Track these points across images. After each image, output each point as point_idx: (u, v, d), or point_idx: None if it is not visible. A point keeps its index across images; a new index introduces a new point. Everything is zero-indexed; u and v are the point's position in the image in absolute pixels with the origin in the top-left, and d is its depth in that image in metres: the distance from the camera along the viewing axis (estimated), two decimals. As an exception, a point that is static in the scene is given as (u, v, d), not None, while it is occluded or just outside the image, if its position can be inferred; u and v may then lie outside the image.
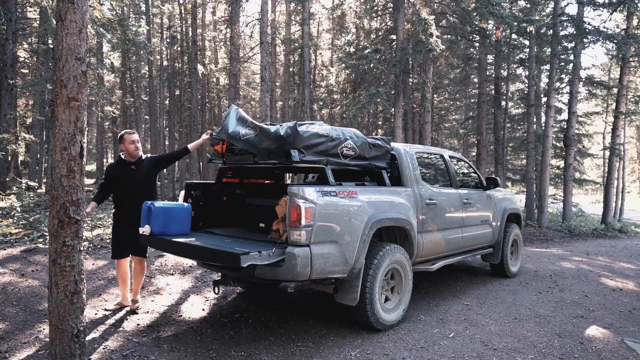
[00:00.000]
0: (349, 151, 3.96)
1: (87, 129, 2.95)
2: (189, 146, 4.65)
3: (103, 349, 3.48)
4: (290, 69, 20.58)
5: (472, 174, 5.99)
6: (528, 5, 13.91)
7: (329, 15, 20.22)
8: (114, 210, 4.39)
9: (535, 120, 15.11)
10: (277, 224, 3.83)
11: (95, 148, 26.26)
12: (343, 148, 3.91)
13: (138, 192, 4.23)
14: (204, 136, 4.55)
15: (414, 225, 4.36)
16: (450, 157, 5.56)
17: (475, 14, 11.13)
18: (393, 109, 12.43)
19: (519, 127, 19.05)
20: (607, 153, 15.24)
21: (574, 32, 12.69)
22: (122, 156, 4.37)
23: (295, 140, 3.54)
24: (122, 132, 4.39)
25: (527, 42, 14.61)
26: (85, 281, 2.95)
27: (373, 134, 17.48)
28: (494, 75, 16.16)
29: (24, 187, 12.59)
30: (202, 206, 4.44)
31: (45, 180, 16.31)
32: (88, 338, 3.18)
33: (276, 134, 3.60)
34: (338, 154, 3.88)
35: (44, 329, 3.78)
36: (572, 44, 13.08)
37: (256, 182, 4.98)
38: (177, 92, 20.37)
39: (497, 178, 6.00)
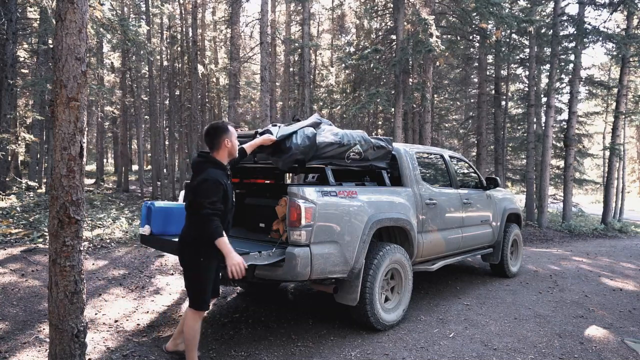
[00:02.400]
0: (355, 155, 3.98)
1: (87, 129, 2.95)
2: (245, 146, 3.50)
3: (103, 349, 3.48)
4: (290, 69, 20.57)
5: (472, 174, 5.99)
6: (528, 5, 13.92)
7: (329, 15, 20.22)
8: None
9: (535, 120, 15.10)
10: (277, 224, 3.83)
11: (95, 148, 26.25)
12: (350, 152, 3.92)
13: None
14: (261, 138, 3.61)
15: (414, 225, 4.36)
16: (450, 157, 5.56)
17: (475, 14, 11.13)
18: (393, 109, 12.42)
19: (519, 127, 19.04)
20: (607, 153, 15.22)
21: (574, 32, 12.68)
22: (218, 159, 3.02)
23: (310, 151, 3.56)
24: (223, 122, 3.06)
25: (527, 42, 14.60)
26: (85, 281, 2.95)
27: (373, 133, 17.48)
28: (494, 75, 16.15)
29: (24, 187, 12.59)
30: None
31: (45, 180, 16.29)
32: (88, 338, 3.17)
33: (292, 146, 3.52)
34: (343, 158, 3.89)
35: (44, 329, 3.78)
36: (573, 44, 13.09)
37: (256, 182, 4.98)
38: (177, 92, 20.35)
39: (497, 178, 6.00)
